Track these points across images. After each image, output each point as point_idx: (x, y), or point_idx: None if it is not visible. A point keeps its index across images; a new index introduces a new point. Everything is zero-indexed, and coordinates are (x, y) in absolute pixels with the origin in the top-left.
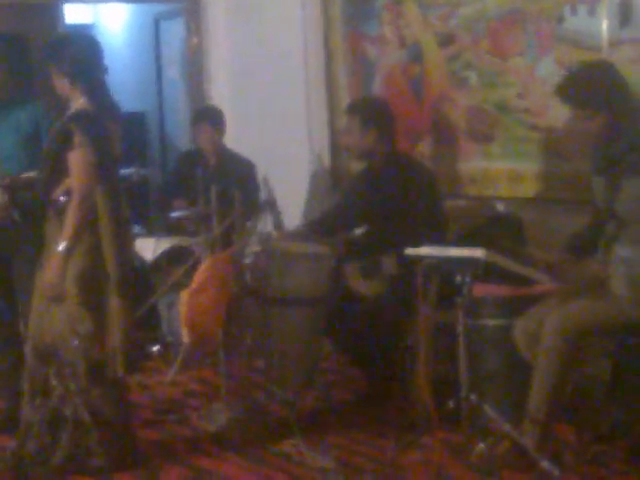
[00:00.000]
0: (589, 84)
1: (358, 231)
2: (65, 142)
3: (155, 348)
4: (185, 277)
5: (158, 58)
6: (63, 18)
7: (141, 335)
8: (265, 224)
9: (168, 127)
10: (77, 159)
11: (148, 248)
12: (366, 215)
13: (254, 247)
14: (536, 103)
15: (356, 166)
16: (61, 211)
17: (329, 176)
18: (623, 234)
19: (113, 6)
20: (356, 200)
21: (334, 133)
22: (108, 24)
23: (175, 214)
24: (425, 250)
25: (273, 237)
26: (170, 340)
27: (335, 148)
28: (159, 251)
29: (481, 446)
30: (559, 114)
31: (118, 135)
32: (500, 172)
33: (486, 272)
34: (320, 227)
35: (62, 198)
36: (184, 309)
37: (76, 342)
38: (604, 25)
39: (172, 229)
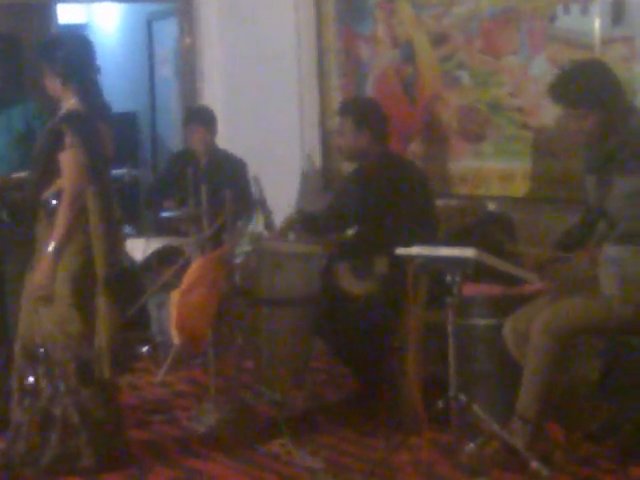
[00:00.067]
0: (581, 83)
1: (350, 231)
2: (56, 142)
3: (144, 348)
4: (175, 277)
5: (151, 58)
6: (56, 18)
7: (131, 335)
8: (256, 224)
9: (160, 127)
10: (68, 160)
11: (138, 248)
12: (358, 215)
13: (245, 247)
14: (529, 102)
15: (348, 166)
16: (51, 212)
17: (320, 176)
18: (613, 233)
19: (106, 6)
20: (348, 200)
21: (326, 133)
22: (101, 24)
23: (165, 214)
24: (416, 250)
25: (264, 237)
26: (160, 340)
27: (327, 148)
28: (149, 251)
29: (470, 446)
30: (551, 113)
31: (109, 135)
32: (492, 171)
33: (476, 272)
34: (312, 225)
35: (54, 201)
36: (174, 310)
37: (66, 342)
38: (597, 24)
39: (162, 229)
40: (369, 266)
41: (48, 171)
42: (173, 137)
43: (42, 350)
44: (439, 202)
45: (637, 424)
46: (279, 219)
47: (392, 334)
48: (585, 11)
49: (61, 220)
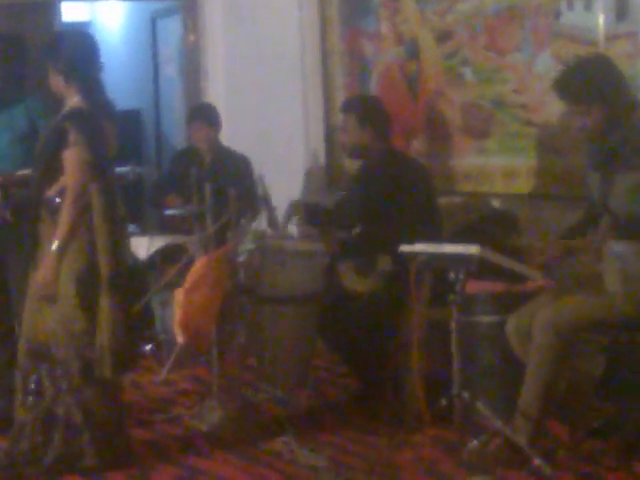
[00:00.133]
0: (585, 79)
1: (356, 230)
2: (60, 140)
3: (148, 347)
4: (179, 275)
5: (155, 56)
6: (60, 16)
7: (135, 334)
8: (260, 222)
9: (164, 125)
10: (72, 157)
11: (142, 246)
12: (362, 213)
13: (248, 245)
14: (533, 99)
15: (351, 164)
16: (55, 210)
17: (324, 173)
18: (617, 229)
19: (110, 4)
20: (352, 198)
21: (330, 130)
22: (105, 22)
23: (169, 212)
24: (419, 247)
25: (267, 235)
26: (163, 338)
27: (330, 145)
28: (153, 249)
29: (473, 443)
30: (555, 110)
31: (113, 133)
32: (496, 168)
33: (479, 269)
34: (318, 220)
35: (57, 200)
36: (178, 309)
37: (69, 341)
38: (600, 20)
39: (166, 227)
40: (372, 264)
41: (51, 169)
42: (177, 135)
43: (46, 349)
44: (443, 199)
45: None
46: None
47: (395, 332)
48: (589, 7)
49: (64, 218)
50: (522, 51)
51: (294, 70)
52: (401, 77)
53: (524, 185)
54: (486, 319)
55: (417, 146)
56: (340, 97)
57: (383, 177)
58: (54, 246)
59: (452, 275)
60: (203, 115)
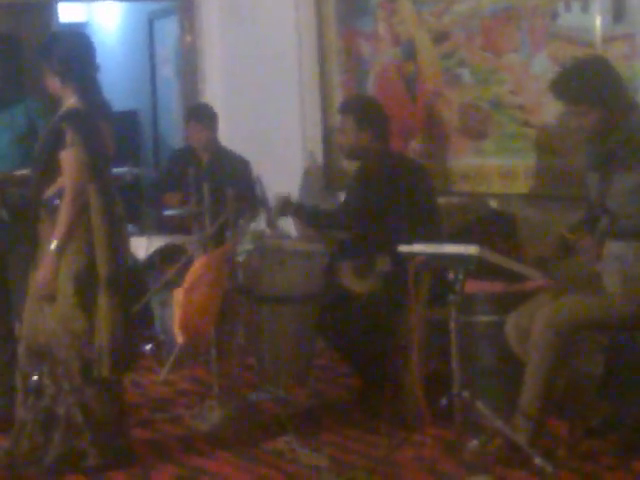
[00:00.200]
0: (583, 80)
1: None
2: (57, 141)
3: (148, 347)
4: (178, 276)
5: (152, 57)
6: (57, 17)
7: (134, 334)
8: (258, 222)
9: (161, 126)
10: (69, 158)
11: (141, 247)
12: (361, 213)
13: (247, 245)
14: (530, 100)
15: (349, 164)
16: (53, 211)
17: (322, 174)
18: (615, 229)
19: (107, 5)
20: (351, 199)
21: (327, 131)
22: (102, 23)
23: (168, 212)
24: (418, 247)
25: (266, 235)
26: (163, 338)
27: (328, 146)
28: (152, 250)
29: (474, 443)
30: (553, 111)
31: (110, 134)
32: (493, 169)
33: (478, 268)
34: (318, 225)
35: (56, 201)
36: (177, 309)
37: (70, 341)
38: (598, 21)
39: (164, 227)
40: (371, 264)
41: (49, 170)
42: (174, 136)
43: (46, 349)
44: (440, 199)
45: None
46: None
47: (395, 332)
48: (586, 9)
49: (63, 218)
50: (519, 52)
51: (291, 71)
52: (399, 78)
53: (522, 185)
54: (485, 319)
55: (415, 147)
56: (338, 98)
57: (382, 178)
58: (53, 246)
59: (451, 275)
60: (200, 116)
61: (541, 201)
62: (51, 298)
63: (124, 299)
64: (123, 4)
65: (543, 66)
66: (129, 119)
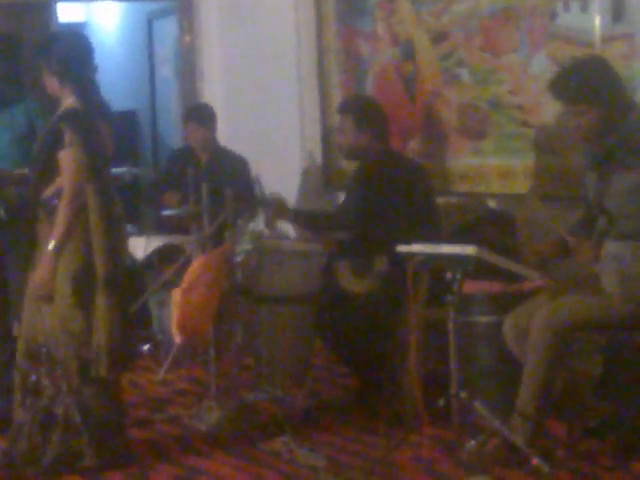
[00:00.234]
0: (581, 80)
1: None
2: (55, 141)
3: (146, 347)
4: (176, 276)
5: (151, 56)
6: (56, 17)
7: (132, 334)
8: (257, 222)
9: (160, 126)
10: (67, 158)
11: (139, 247)
12: (360, 213)
13: (245, 245)
14: (528, 100)
15: (348, 164)
16: (52, 211)
17: (321, 174)
18: (613, 229)
19: (106, 4)
20: (350, 199)
21: (326, 131)
22: (101, 23)
23: (167, 212)
24: (417, 247)
25: (265, 235)
26: (161, 338)
27: (327, 146)
28: (150, 250)
29: (471, 443)
30: (551, 111)
31: (109, 134)
32: (492, 169)
33: (476, 269)
34: (318, 228)
35: (54, 201)
36: (175, 309)
37: (68, 341)
38: (597, 21)
39: (163, 227)
40: (369, 264)
41: (48, 170)
42: (173, 136)
43: (44, 349)
44: (439, 199)
45: (638, 420)
46: None
47: (393, 332)
48: (585, 8)
49: (61, 218)
50: (518, 52)
51: (290, 71)
52: (397, 78)
53: (520, 185)
54: (483, 319)
55: (414, 146)
56: (337, 98)
57: (381, 178)
58: (51, 246)
59: (449, 275)
60: (199, 115)
61: (540, 201)
62: (49, 298)
63: (122, 299)
64: (122, 4)
65: (542, 66)
66: (128, 119)
